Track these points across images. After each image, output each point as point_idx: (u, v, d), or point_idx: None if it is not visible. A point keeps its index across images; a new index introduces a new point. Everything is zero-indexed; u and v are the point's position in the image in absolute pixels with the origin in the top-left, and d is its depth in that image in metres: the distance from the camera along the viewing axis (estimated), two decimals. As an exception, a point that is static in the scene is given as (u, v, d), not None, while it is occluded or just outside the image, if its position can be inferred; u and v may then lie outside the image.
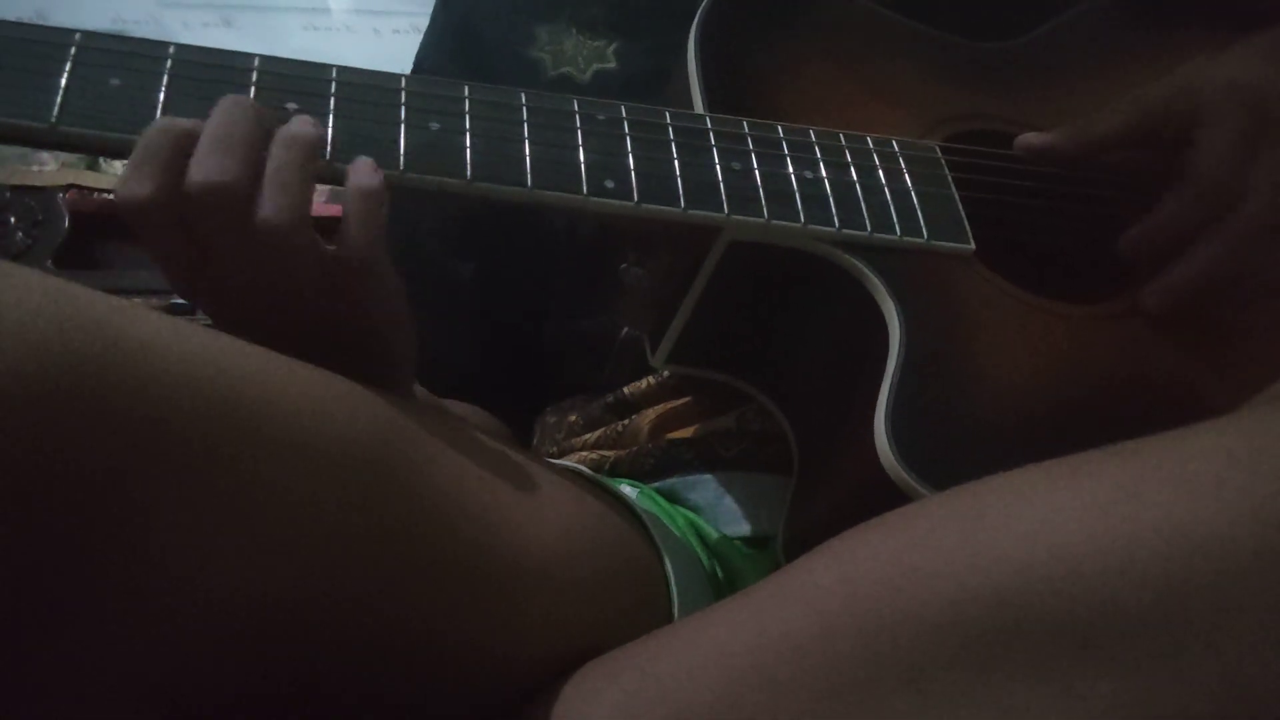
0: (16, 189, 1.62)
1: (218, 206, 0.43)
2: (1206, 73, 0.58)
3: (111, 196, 1.65)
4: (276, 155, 0.44)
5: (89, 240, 1.65)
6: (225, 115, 0.44)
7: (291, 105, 0.48)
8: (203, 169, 0.43)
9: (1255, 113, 0.56)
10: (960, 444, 0.51)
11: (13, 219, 1.60)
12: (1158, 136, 0.60)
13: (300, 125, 0.46)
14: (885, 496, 0.47)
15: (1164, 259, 0.59)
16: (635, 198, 0.51)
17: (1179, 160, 0.58)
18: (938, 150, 0.61)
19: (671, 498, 0.66)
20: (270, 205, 0.43)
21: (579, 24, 0.75)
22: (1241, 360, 0.58)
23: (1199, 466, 0.33)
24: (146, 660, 0.34)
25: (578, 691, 0.42)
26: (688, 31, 0.60)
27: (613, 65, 0.74)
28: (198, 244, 0.45)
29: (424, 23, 0.86)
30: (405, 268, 0.78)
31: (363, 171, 0.46)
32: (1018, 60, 0.70)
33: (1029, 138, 0.63)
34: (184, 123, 0.44)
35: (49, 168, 1.66)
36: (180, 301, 1.66)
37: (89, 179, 1.66)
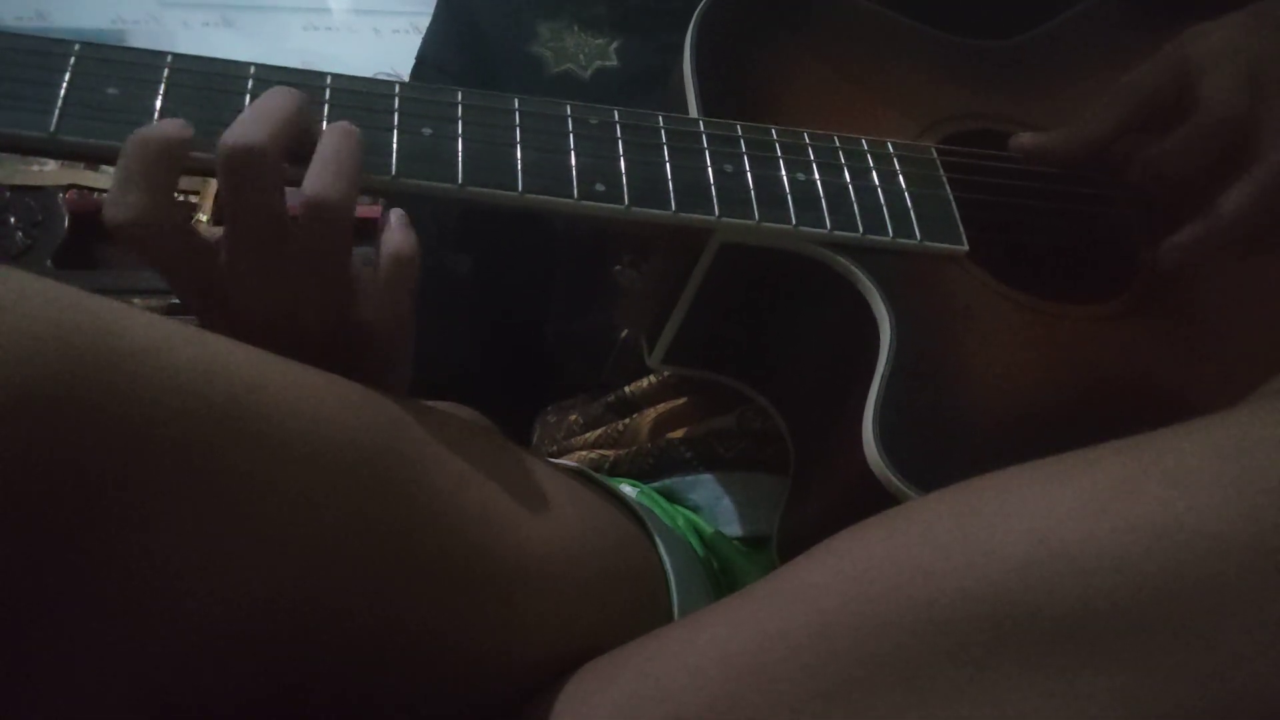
0: (16, 189, 1.62)
1: (242, 172, 0.44)
2: (1194, 44, 0.58)
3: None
4: (330, 139, 0.46)
5: (89, 240, 1.65)
6: (269, 96, 0.46)
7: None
8: (232, 135, 0.44)
9: (1252, 68, 0.55)
10: (949, 447, 0.51)
11: (13, 219, 1.60)
12: (1156, 119, 0.59)
13: (346, 123, 0.47)
14: (875, 498, 0.47)
15: (1159, 222, 0.58)
16: (626, 201, 0.52)
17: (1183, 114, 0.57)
18: (933, 151, 0.61)
19: (671, 497, 0.66)
20: (321, 182, 0.44)
21: (581, 21, 0.75)
22: (1237, 359, 0.58)
23: (1196, 462, 0.32)
24: (146, 661, 0.34)
25: (577, 691, 0.42)
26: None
27: (614, 63, 0.74)
28: (204, 249, 0.45)
29: (424, 23, 0.86)
30: None
31: (396, 228, 0.47)
32: (1019, 59, 0.69)
33: (1022, 139, 0.63)
34: (158, 135, 0.44)
35: (49, 168, 1.66)
36: (180, 302, 1.65)
37: (89, 179, 1.66)
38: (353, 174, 0.45)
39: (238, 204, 0.44)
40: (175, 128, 0.44)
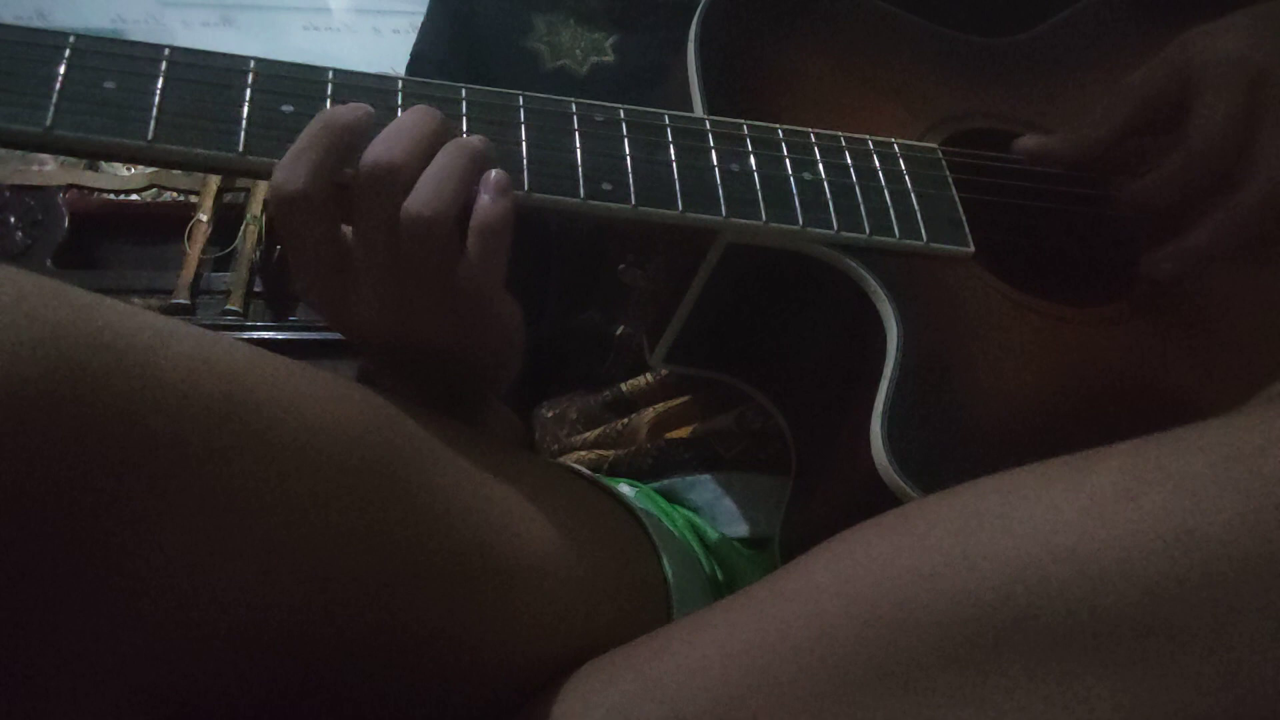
0: (16, 189, 1.63)
1: (380, 186, 0.45)
2: (1198, 47, 0.57)
3: (111, 196, 1.66)
4: (440, 158, 0.46)
5: (89, 240, 1.65)
6: (412, 114, 0.47)
7: (287, 108, 0.47)
8: (375, 151, 0.45)
9: (1255, 84, 0.55)
10: (955, 449, 0.51)
11: (13, 219, 1.61)
12: (1159, 120, 0.59)
13: (475, 139, 0.48)
14: (880, 500, 0.47)
15: (1161, 229, 0.58)
16: (633, 200, 0.51)
17: (1177, 132, 0.57)
18: (939, 151, 0.60)
19: (670, 498, 0.66)
20: (418, 198, 0.45)
21: (577, 15, 0.75)
22: (1240, 363, 0.58)
23: (1199, 466, 0.32)
24: (147, 661, 0.34)
25: (576, 692, 0.42)
26: (687, 27, 0.60)
27: (610, 59, 0.73)
28: (340, 240, 0.46)
29: (423, 21, 0.86)
30: None
31: (487, 201, 0.47)
32: (1024, 56, 0.69)
33: (1027, 141, 0.63)
34: (345, 117, 0.46)
35: (49, 167, 1.66)
36: (180, 301, 1.66)
37: (89, 179, 1.66)
38: (454, 191, 0.46)
39: (370, 216, 0.46)
40: (358, 114, 0.46)
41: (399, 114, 0.49)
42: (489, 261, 0.47)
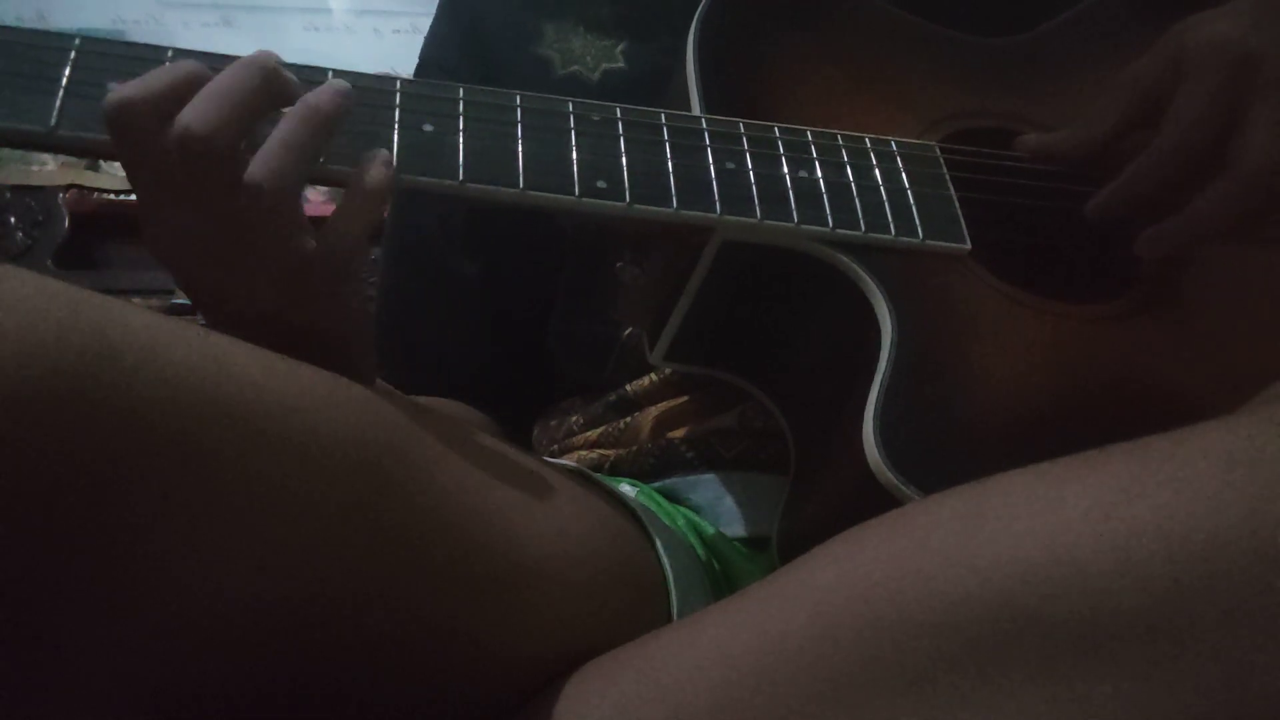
0: (16, 189, 1.63)
1: (195, 157, 0.43)
2: (1190, 33, 0.57)
3: (111, 196, 1.66)
4: (285, 125, 0.45)
5: (89, 240, 1.65)
6: (237, 71, 0.44)
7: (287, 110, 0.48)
8: (187, 115, 0.43)
9: (1240, 66, 0.55)
10: (951, 448, 0.51)
11: (13, 219, 1.61)
12: (1159, 111, 0.58)
13: (326, 97, 0.46)
14: (875, 499, 0.47)
15: (1142, 217, 0.58)
16: (627, 198, 0.51)
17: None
18: (937, 149, 0.60)
19: (672, 497, 0.66)
20: (259, 168, 0.44)
21: (587, 22, 0.75)
22: (1240, 362, 0.58)
23: (1199, 468, 0.32)
24: (147, 661, 0.34)
25: (577, 692, 0.42)
26: None
27: (621, 65, 0.73)
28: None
29: (424, 23, 0.86)
30: (411, 265, 0.78)
31: (373, 170, 0.47)
32: (1024, 56, 0.69)
33: (1028, 139, 0.63)
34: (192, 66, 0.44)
35: (49, 168, 1.66)
36: (181, 301, 1.67)
37: (89, 179, 1.66)
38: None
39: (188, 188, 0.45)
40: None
41: (396, 114, 0.49)
42: (357, 223, 0.46)
